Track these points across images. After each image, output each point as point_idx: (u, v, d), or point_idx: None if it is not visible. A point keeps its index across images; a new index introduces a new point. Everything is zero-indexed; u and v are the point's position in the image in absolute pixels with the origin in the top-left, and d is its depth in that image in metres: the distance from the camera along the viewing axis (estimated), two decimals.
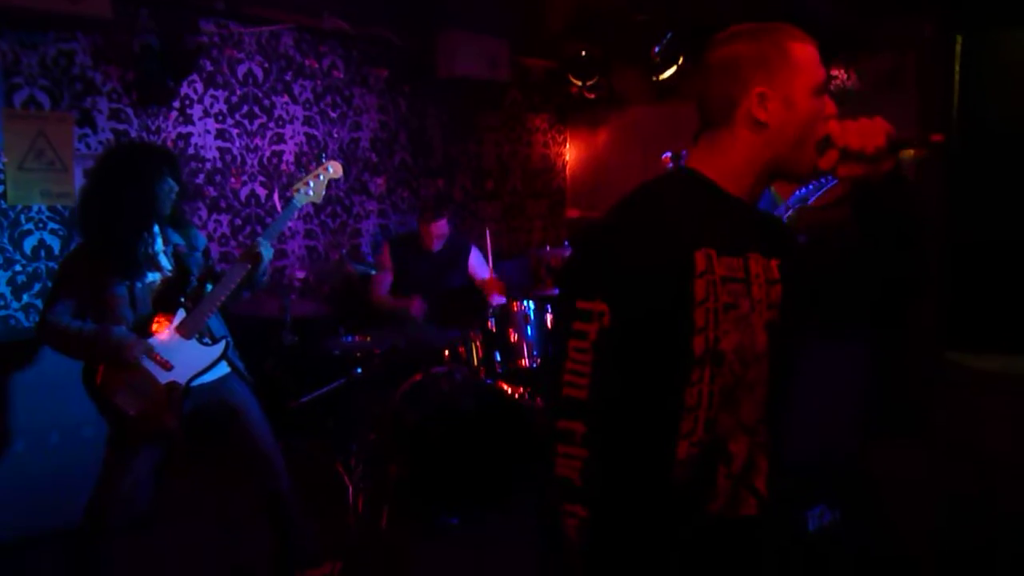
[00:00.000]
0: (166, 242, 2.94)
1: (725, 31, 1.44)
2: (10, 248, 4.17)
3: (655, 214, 1.39)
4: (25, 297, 4.22)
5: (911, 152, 1.40)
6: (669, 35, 5.22)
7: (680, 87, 5.52)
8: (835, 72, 4.82)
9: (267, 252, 2.93)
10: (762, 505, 1.46)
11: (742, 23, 1.43)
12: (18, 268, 4.19)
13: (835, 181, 3.56)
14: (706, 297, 1.33)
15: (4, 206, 4.15)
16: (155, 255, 2.88)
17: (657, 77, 5.43)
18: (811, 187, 3.52)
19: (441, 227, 4.73)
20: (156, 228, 2.91)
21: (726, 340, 1.35)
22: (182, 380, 2.81)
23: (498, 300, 4.59)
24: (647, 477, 1.39)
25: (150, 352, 2.75)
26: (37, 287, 4.24)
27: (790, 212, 3.52)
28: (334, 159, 3.12)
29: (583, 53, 5.85)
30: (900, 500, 3.10)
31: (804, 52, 1.39)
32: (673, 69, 5.33)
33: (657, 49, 5.30)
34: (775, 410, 1.47)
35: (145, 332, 2.79)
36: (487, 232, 4.86)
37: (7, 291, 4.17)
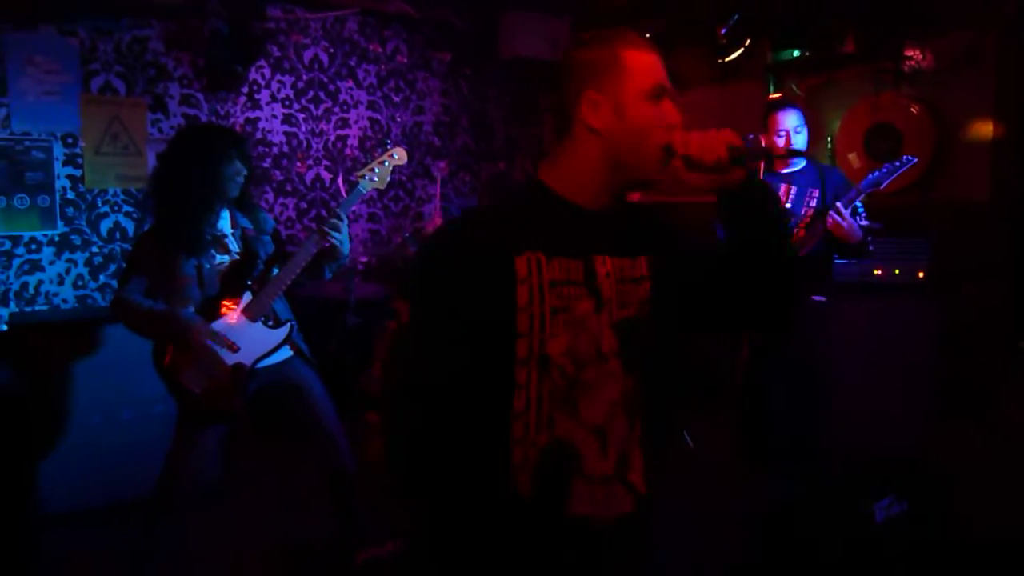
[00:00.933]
0: (234, 225, 3.00)
1: (577, 36, 1.46)
2: (87, 230, 4.32)
3: (478, 221, 1.40)
4: (102, 277, 4.38)
5: (754, 163, 1.42)
6: (736, 16, 5.10)
7: (745, 69, 5.41)
8: (909, 52, 4.66)
9: (342, 227, 2.95)
10: (639, 501, 1.43)
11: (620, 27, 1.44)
12: (95, 249, 4.35)
13: (910, 164, 3.45)
14: (529, 302, 1.32)
15: (82, 189, 4.30)
16: (223, 237, 2.95)
17: (723, 59, 5.32)
18: (885, 170, 3.42)
19: None
20: (225, 211, 2.97)
21: (553, 343, 1.34)
22: (248, 362, 2.88)
23: None
24: (479, 478, 1.37)
25: (216, 336, 2.82)
26: (112, 268, 4.39)
27: (862, 196, 3.42)
28: (398, 145, 3.13)
29: (647, 35, 5.76)
30: (968, 490, 3.01)
31: (638, 58, 1.39)
32: (739, 51, 5.21)
33: (724, 30, 5.19)
34: (651, 405, 1.45)
35: (212, 313, 2.86)
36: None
37: (85, 272, 4.33)
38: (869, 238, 3.51)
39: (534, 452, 1.35)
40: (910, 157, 3.47)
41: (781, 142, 3.69)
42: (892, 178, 3.43)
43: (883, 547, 2.61)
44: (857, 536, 2.56)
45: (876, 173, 3.44)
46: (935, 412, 3.92)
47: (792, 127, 3.66)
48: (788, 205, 3.74)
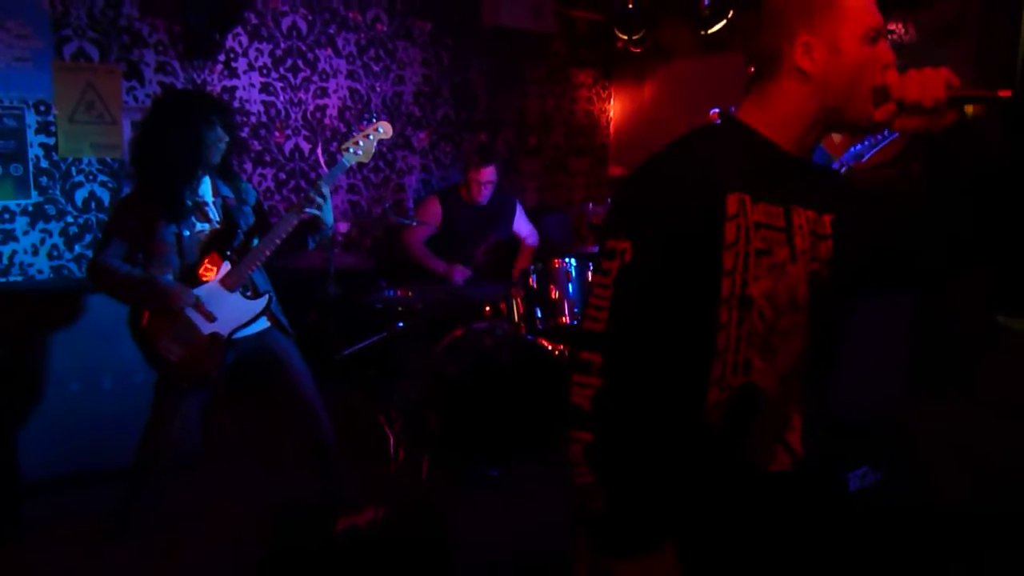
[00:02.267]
0: (215, 193, 2.97)
1: None
2: (62, 200, 4.26)
3: (687, 158, 1.38)
4: (77, 248, 4.32)
5: (970, 108, 1.35)
6: None
7: (728, 41, 5.39)
8: (891, 26, 4.66)
9: (322, 197, 2.92)
10: (795, 462, 1.44)
11: None
12: (70, 219, 4.29)
13: (891, 138, 3.46)
14: (736, 240, 1.32)
15: (56, 158, 4.23)
16: (204, 205, 2.92)
17: (706, 31, 5.30)
18: (866, 143, 3.42)
19: (490, 173, 4.55)
20: (206, 178, 2.94)
21: (755, 285, 1.34)
22: (224, 332, 2.87)
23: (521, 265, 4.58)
24: (676, 414, 1.39)
25: (195, 303, 2.80)
26: (88, 238, 4.34)
27: (843, 169, 3.43)
28: (381, 117, 3.10)
29: (629, 5, 5.73)
30: (944, 462, 3.06)
31: None
32: (723, 23, 5.19)
33: (706, 2, 5.17)
34: (815, 366, 1.45)
35: (191, 281, 2.84)
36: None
37: (60, 242, 4.28)
38: None
39: (727, 394, 1.36)
40: (892, 131, 3.48)
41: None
42: (873, 151, 3.44)
43: (855, 517, 2.65)
44: (832, 506, 2.59)
45: (858, 146, 3.45)
46: (912, 385, 3.97)
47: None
48: None
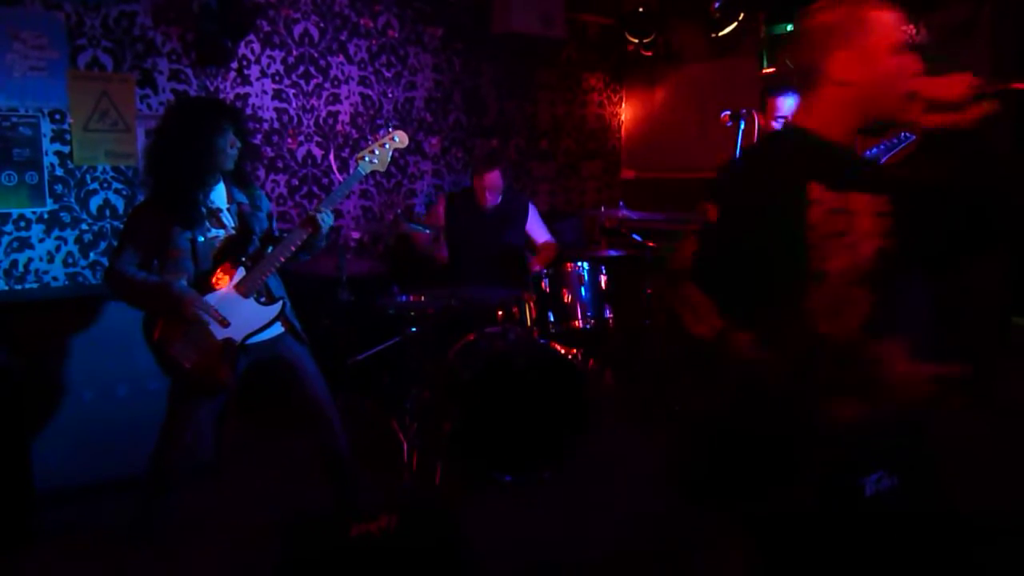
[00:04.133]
0: (230, 200, 2.98)
1: (814, 4, 1.67)
2: (77, 208, 4.29)
3: (774, 150, 1.69)
4: (92, 255, 4.35)
5: (992, 103, 1.55)
6: None
7: (738, 44, 5.37)
8: (902, 27, 4.62)
9: (327, 219, 2.95)
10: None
11: None
12: (84, 227, 4.32)
13: (906, 143, 3.43)
14: (817, 223, 1.53)
15: (71, 166, 4.26)
16: (219, 211, 2.93)
17: (716, 34, 5.29)
18: (882, 147, 3.39)
19: (494, 179, 4.56)
20: (221, 185, 2.95)
21: (832, 263, 1.54)
22: (238, 337, 2.87)
23: (536, 268, 4.53)
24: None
25: (209, 309, 2.81)
26: (103, 245, 4.36)
27: None
28: (398, 127, 3.11)
29: (640, 9, 5.72)
30: (961, 465, 3.03)
31: (882, 17, 1.60)
32: (733, 26, 5.18)
33: (716, 5, 5.16)
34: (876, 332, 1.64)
35: (205, 288, 2.85)
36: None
37: (75, 249, 4.30)
38: None
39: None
40: (908, 134, 3.44)
41: (779, 127, 3.68)
42: (890, 154, 3.41)
43: (870, 521, 2.62)
44: (846, 510, 2.57)
45: (874, 149, 3.41)
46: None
47: (790, 112, 3.65)
48: None
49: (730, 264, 1.65)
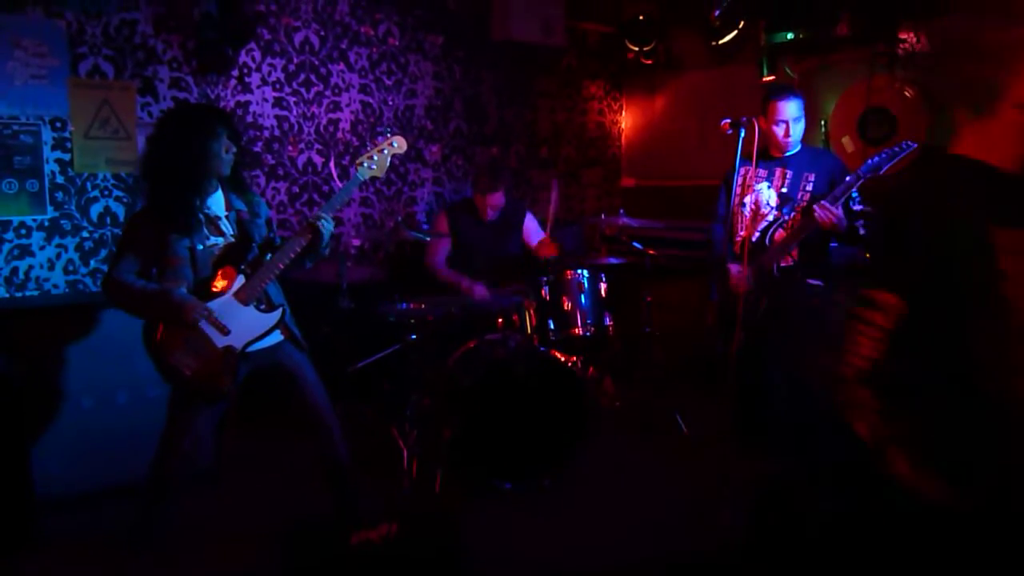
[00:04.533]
0: (228, 207, 2.98)
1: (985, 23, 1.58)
2: (77, 215, 4.29)
3: (953, 187, 1.66)
4: (92, 262, 4.35)
5: None
6: None
7: (738, 52, 5.38)
8: (903, 35, 4.63)
9: (328, 225, 2.95)
10: None
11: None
12: (85, 235, 4.32)
13: (908, 151, 3.43)
14: (1004, 269, 1.56)
15: (71, 174, 4.27)
16: (217, 219, 2.93)
17: (716, 42, 5.30)
18: (884, 155, 3.40)
19: (497, 199, 4.64)
20: (219, 192, 2.96)
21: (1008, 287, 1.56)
22: (238, 345, 2.87)
23: (548, 254, 4.49)
24: None
25: (209, 316, 2.81)
26: (103, 253, 4.36)
27: (861, 181, 3.41)
28: (397, 133, 3.11)
29: (640, 17, 5.74)
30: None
31: None
32: (733, 34, 5.19)
33: (717, 12, 5.17)
34: None
35: (204, 295, 2.85)
36: (554, 183, 4.63)
37: (75, 256, 4.30)
38: (861, 222, 3.51)
39: None
40: (909, 143, 3.45)
41: (780, 131, 3.69)
42: (891, 164, 3.42)
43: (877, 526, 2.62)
44: (853, 515, 2.57)
45: (876, 158, 3.42)
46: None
47: (792, 117, 3.66)
48: (784, 190, 3.74)
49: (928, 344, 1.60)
